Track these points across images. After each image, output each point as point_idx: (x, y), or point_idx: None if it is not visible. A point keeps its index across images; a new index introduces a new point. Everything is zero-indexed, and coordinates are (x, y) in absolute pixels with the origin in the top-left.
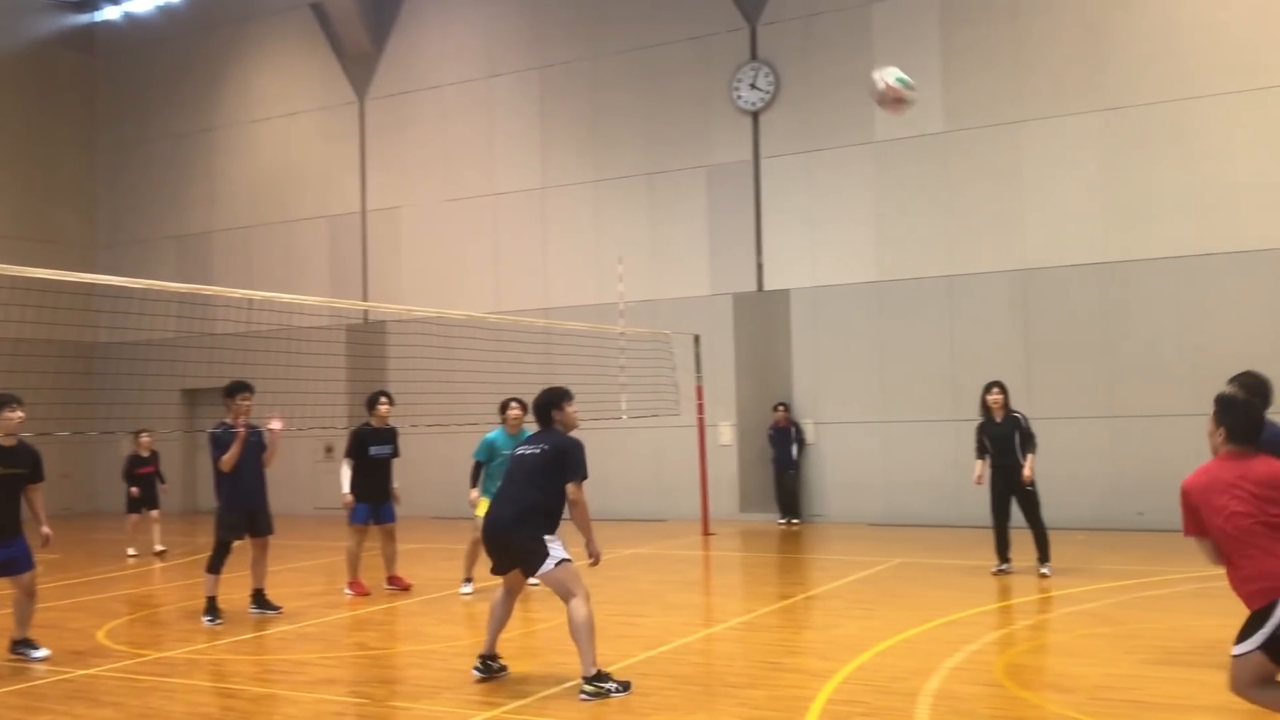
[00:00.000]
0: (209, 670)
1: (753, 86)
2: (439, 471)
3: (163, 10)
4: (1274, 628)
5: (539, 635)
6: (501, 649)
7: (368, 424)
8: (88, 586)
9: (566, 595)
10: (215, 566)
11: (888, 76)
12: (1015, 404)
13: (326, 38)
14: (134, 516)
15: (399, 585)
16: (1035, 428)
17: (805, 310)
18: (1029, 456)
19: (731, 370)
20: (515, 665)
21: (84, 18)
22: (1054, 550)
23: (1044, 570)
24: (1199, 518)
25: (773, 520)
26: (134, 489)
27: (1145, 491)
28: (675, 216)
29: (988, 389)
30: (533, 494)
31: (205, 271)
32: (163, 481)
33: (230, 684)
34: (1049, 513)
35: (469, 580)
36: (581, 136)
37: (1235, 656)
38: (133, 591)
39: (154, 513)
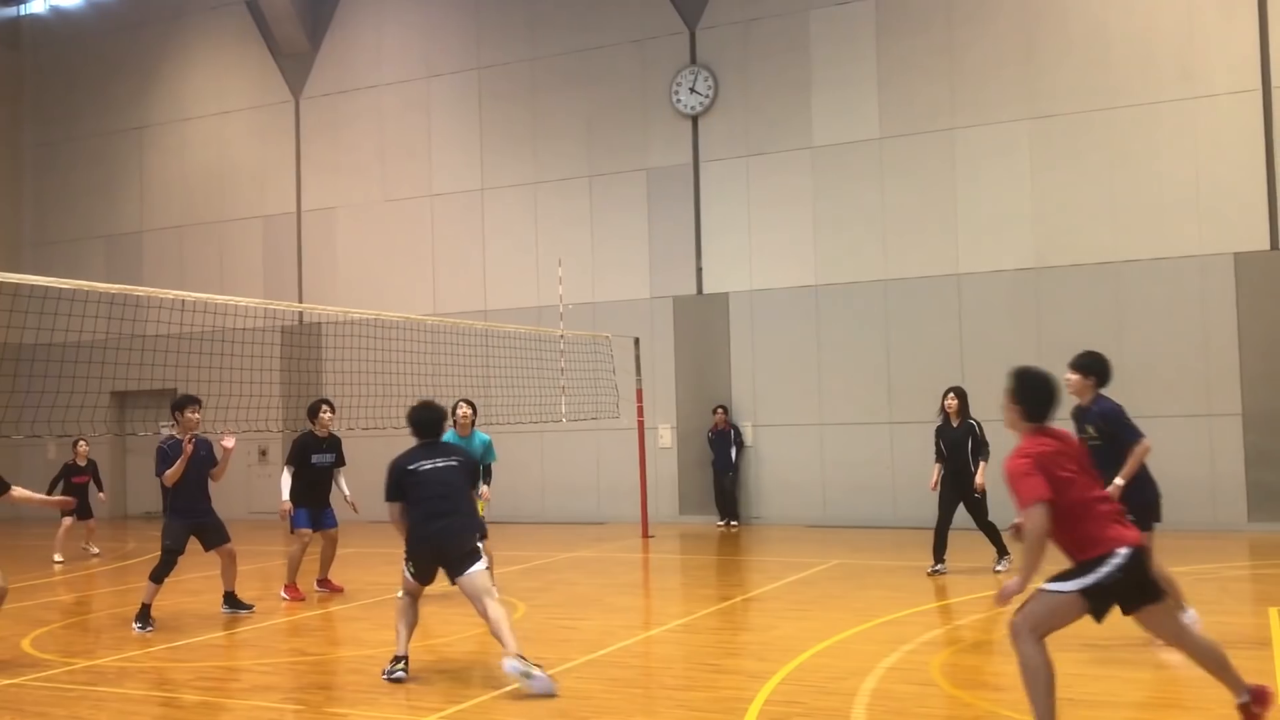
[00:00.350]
0: (141, 678)
1: (692, 90)
2: (376, 475)
3: (92, 5)
4: (1106, 573)
5: (477, 640)
6: (439, 652)
7: (311, 432)
8: (12, 594)
9: (488, 594)
10: (159, 576)
11: None
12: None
13: (261, 35)
14: (67, 521)
15: (330, 588)
16: (985, 431)
17: (744, 313)
18: (981, 464)
19: (671, 373)
20: (455, 669)
21: (9, 11)
22: (985, 551)
23: (999, 567)
24: (1048, 482)
25: (712, 523)
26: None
27: None
28: (615, 219)
29: (945, 393)
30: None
31: (136, 272)
32: (100, 491)
33: (164, 691)
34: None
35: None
36: (521, 138)
37: (1045, 591)
38: (61, 598)
39: (90, 521)
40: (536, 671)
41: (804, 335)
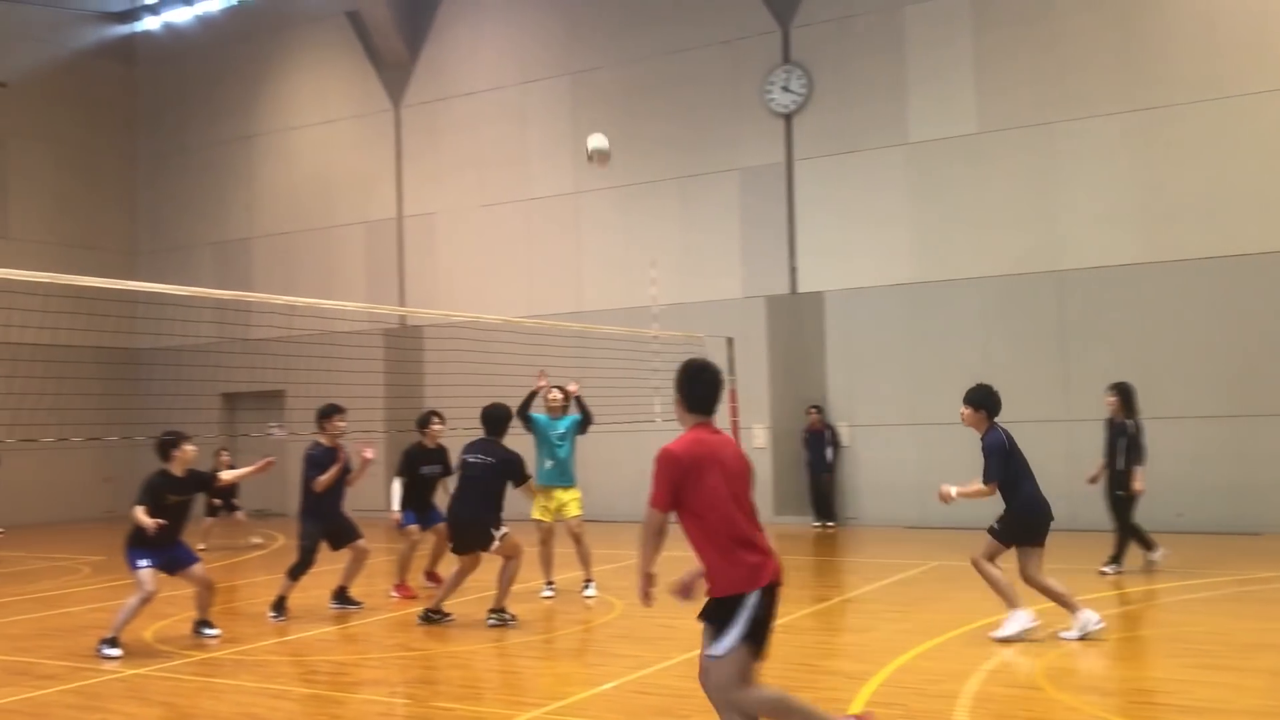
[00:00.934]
0: (256, 671)
1: (785, 89)
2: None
3: (201, 20)
4: (750, 616)
5: (577, 636)
6: (545, 649)
7: (420, 443)
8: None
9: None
10: (295, 574)
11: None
12: (1054, 405)
13: (363, 46)
14: (209, 520)
15: (438, 580)
16: (1084, 430)
17: (839, 312)
18: (1136, 468)
19: (765, 373)
20: (555, 666)
21: (125, 29)
22: (1094, 552)
23: (1105, 569)
24: (684, 487)
25: (808, 523)
26: (215, 500)
27: (1183, 493)
28: (708, 220)
29: (1106, 391)
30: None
31: (245, 277)
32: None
33: (277, 684)
34: (1091, 514)
35: (550, 584)
36: (614, 141)
37: (718, 658)
38: (180, 592)
39: (238, 514)
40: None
41: (900, 334)
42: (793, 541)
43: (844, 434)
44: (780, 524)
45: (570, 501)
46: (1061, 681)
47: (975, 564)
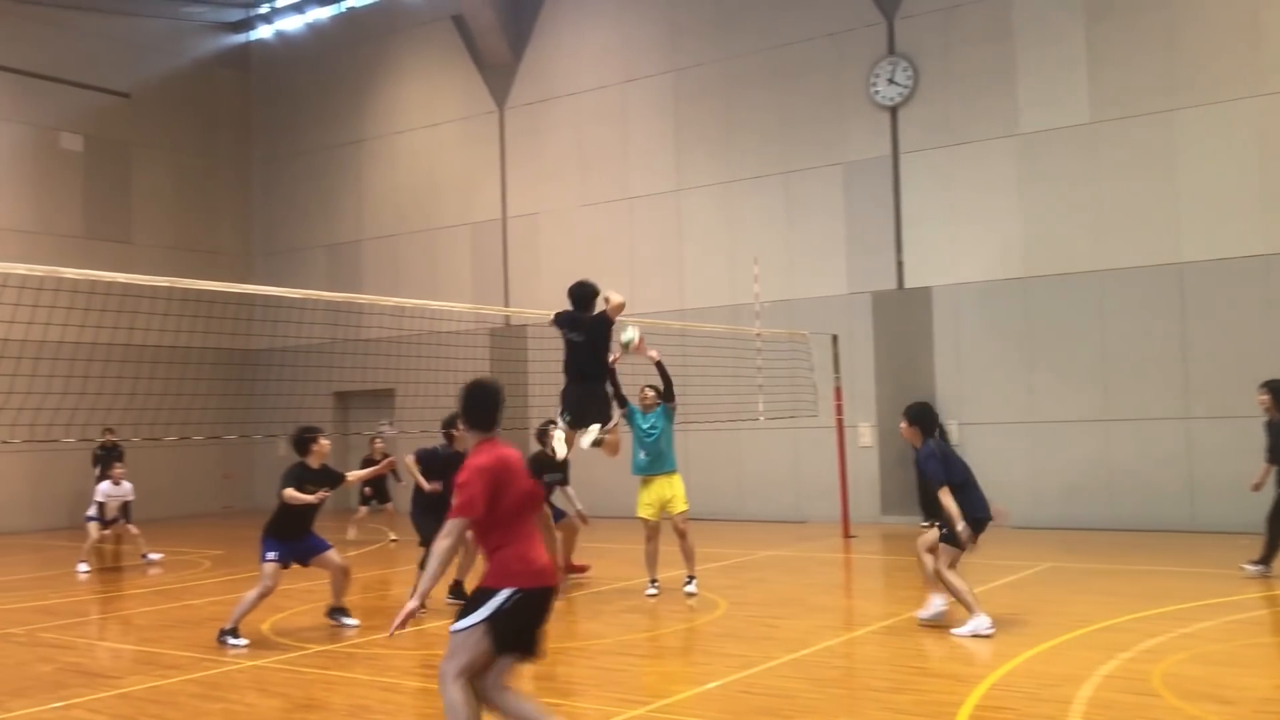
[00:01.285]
0: (367, 664)
1: (890, 81)
2: (581, 470)
3: (312, 28)
4: (497, 606)
5: (681, 635)
6: (649, 647)
7: (543, 452)
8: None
9: None
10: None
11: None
12: (1172, 403)
13: (467, 49)
14: (363, 509)
15: (575, 569)
16: (1203, 428)
17: (947, 307)
18: None
19: (871, 370)
20: (660, 664)
21: (240, 38)
22: (1220, 554)
23: (1249, 566)
24: (496, 495)
25: (915, 523)
26: (367, 488)
27: None
28: (812, 215)
29: (1258, 390)
30: None
31: (355, 278)
32: (398, 479)
33: (387, 677)
34: (1210, 515)
35: (654, 582)
36: (716, 137)
37: (453, 632)
38: (297, 585)
39: (388, 505)
40: None
41: (1012, 329)
42: (899, 541)
43: (953, 432)
44: (887, 524)
45: (675, 497)
46: (1181, 688)
47: (938, 575)
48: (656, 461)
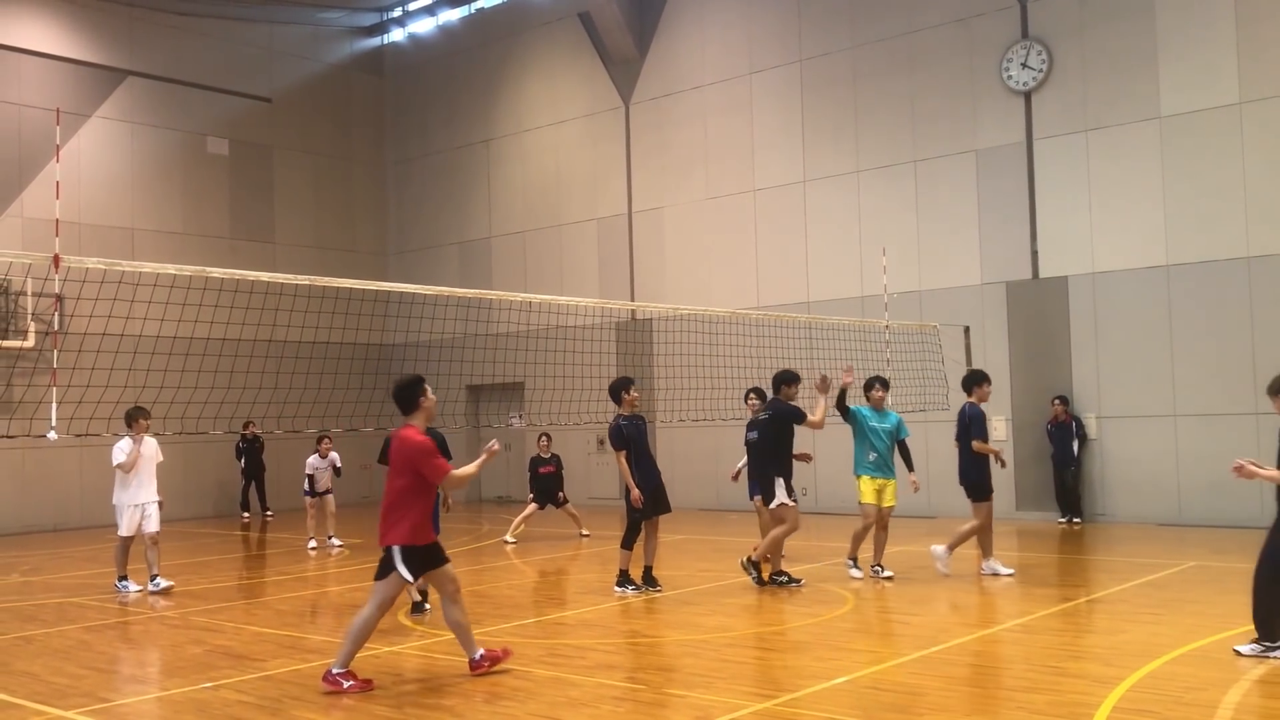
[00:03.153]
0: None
1: (1024, 65)
2: (703, 465)
3: (443, 30)
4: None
5: (808, 630)
6: (777, 640)
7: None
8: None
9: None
10: (628, 543)
11: None
12: None
13: (593, 45)
14: (531, 506)
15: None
16: None
17: (1085, 297)
18: None
19: (1005, 362)
20: (787, 658)
21: (374, 41)
22: None
23: None
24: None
25: (1052, 519)
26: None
27: None
28: (943, 204)
29: None
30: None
31: (485, 275)
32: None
33: (517, 665)
34: None
35: (853, 560)
36: (843, 127)
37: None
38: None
39: (568, 505)
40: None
41: (1153, 319)
42: (1035, 538)
43: (1091, 426)
44: (1022, 520)
45: (888, 490)
46: None
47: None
48: (882, 468)
